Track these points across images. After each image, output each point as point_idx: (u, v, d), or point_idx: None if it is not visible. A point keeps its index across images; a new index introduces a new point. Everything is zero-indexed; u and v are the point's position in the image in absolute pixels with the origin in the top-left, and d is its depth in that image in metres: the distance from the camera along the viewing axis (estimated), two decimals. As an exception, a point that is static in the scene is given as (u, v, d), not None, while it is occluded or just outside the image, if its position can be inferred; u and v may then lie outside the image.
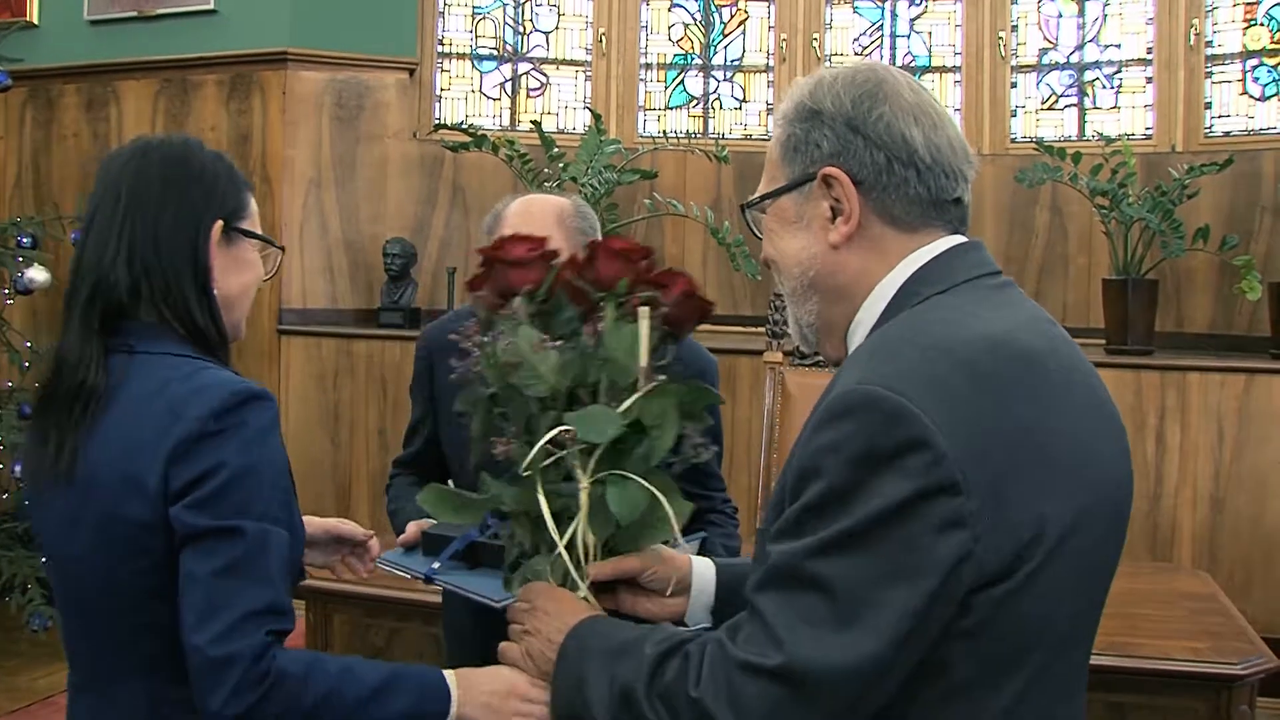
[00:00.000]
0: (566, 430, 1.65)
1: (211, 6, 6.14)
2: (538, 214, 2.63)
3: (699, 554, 2.32)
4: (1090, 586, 1.47)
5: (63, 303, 1.90)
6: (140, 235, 1.87)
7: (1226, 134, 6.08)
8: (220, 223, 1.92)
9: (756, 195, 1.63)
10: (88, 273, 1.87)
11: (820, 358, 3.32)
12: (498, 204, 2.75)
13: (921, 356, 1.37)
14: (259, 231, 2.02)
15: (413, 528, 2.36)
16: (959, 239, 1.54)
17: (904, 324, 1.47)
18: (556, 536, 1.67)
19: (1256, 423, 5.10)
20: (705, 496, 2.76)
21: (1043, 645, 1.40)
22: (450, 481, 2.79)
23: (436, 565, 2.22)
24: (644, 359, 1.67)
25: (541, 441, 1.66)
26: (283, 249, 2.13)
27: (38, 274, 5.41)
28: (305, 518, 2.05)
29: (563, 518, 1.69)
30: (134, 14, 6.21)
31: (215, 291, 1.92)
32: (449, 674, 1.85)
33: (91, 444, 1.80)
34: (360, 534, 2.28)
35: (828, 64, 6.63)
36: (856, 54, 6.69)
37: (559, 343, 1.72)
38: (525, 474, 1.69)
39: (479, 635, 2.39)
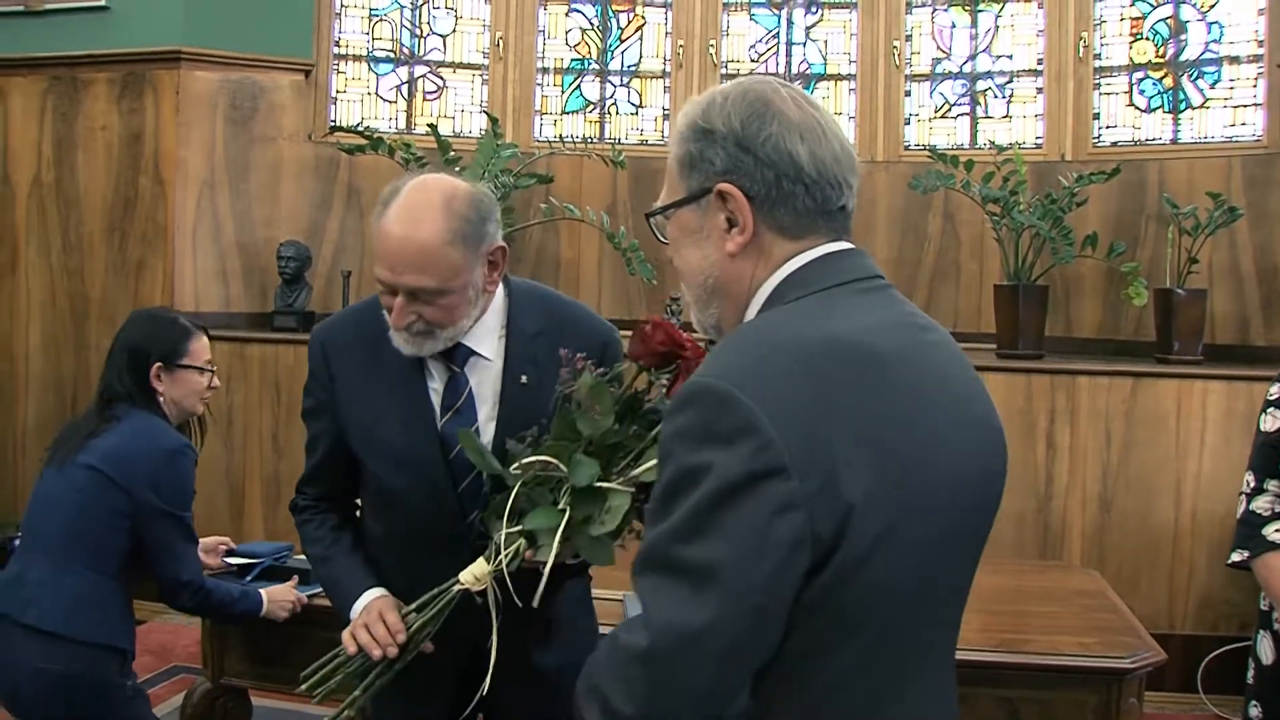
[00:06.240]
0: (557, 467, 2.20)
1: (103, 3, 6.04)
2: (428, 198, 2.39)
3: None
4: (926, 575, 1.52)
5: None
6: (123, 366, 3.34)
7: (1114, 144, 6.23)
8: (159, 363, 3.35)
9: (658, 205, 1.71)
10: (104, 379, 3.40)
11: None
12: (392, 185, 2.47)
13: (758, 352, 1.47)
14: (200, 364, 3.41)
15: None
16: (838, 245, 1.62)
17: (757, 323, 1.59)
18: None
19: (1143, 425, 5.22)
20: None
21: (874, 625, 1.47)
22: (360, 485, 2.69)
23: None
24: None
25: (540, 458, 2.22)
26: (214, 370, 3.48)
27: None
28: None
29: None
30: (21, 8, 6.08)
31: (161, 398, 3.35)
32: (263, 590, 3.45)
33: (95, 446, 3.26)
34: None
35: (723, 71, 6.71)
36: (753, 61, 6.75)
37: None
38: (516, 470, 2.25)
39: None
